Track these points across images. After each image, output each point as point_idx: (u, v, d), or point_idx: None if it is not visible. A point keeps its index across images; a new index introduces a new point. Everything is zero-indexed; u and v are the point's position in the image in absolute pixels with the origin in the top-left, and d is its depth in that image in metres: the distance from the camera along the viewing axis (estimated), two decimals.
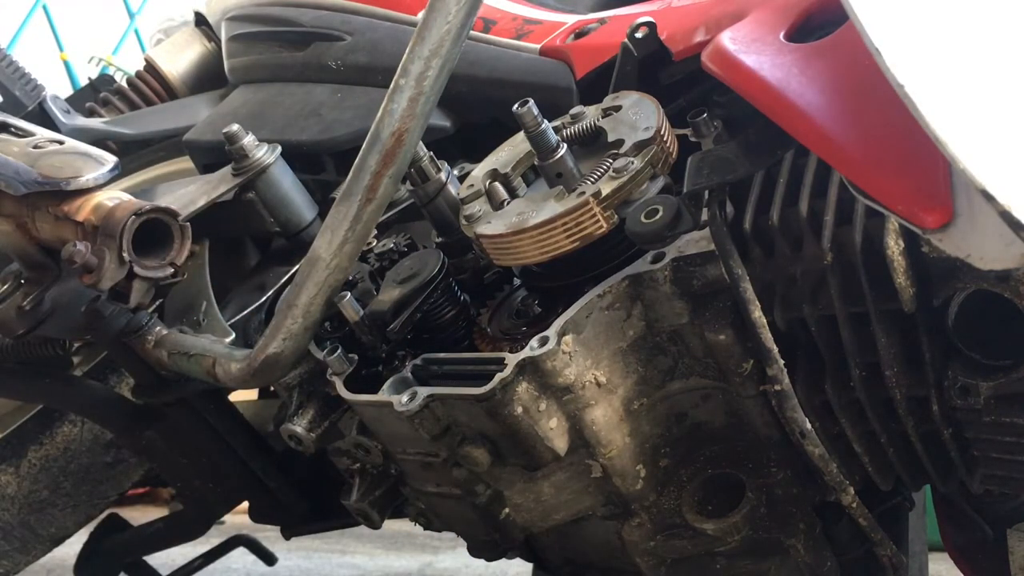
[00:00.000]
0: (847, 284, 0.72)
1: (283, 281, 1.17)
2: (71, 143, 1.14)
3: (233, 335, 1.05)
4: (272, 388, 1.00)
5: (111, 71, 3.89)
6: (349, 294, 0.93)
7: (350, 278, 1.02)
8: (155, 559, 1.65)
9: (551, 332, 0.78)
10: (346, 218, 0.72)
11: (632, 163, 0.80)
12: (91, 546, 1.59)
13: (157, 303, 1.12)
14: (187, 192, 1.16)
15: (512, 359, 0.78)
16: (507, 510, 0.91)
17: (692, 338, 0.80)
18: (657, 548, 0.86)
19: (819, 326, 0.75)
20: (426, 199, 0.98)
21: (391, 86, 0.71)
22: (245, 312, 1.17)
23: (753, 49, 0.76)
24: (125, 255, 1.02)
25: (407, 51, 0.69)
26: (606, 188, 0.79)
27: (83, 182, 1.08)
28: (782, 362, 0.75)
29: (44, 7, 4.67)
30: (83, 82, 1.99)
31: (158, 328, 1.08)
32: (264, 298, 1.18)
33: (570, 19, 1.17)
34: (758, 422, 0.82)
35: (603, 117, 0.88)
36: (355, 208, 0.71)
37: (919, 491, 0.95)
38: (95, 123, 1.64)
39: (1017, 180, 0.50)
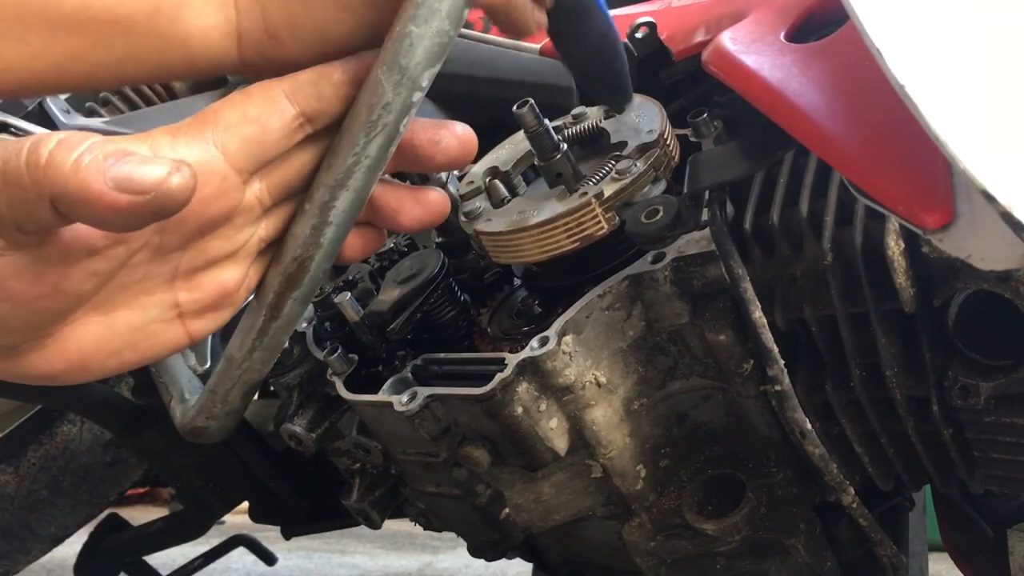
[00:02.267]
0: (847, 284, 0.72)
1: None
2: None
3: (207, 364, 1.04)
4: (272, 388, 1.00)
5: None
6: (349, 294, 0.93)
7: (350, 278, 1.02)
8: (155, 559, 1.65)
9: (551, 332, 0.78)
10: (253, 329, 0.68)
11: (635, 166, 0.80)
12: (91, 546, 1.60)
13: None
14: None
15: (512, 359, 0.78)
16: (507, 510, 0.91)
17: (692, 338, 0.80)
18: (657, 548, 0.86)
19: (819, 326, 0.75)
20: None
21: (296, 207, 0.64)
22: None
23: (753, 49, 0.76)
24: None
25: (316, 174, 0.62)
26: (608, 189, 0.79)
27: None
28: (782, 362, 0.75)
29: None
30: None
31: None
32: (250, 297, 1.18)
33: None
34: (758, 422, 0.82)
35: (605, 119, 0.88)
36: (260, 322, 0.68)
37: (919, 491, 0.95)
38: (95, 123, 1.63)
39: (1018, 181, 0.50)
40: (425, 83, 0.60)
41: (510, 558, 1.04)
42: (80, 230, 0.53)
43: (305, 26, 0.62)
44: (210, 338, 1.08)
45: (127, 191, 0.49)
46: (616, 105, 0.86)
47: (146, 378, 1.12)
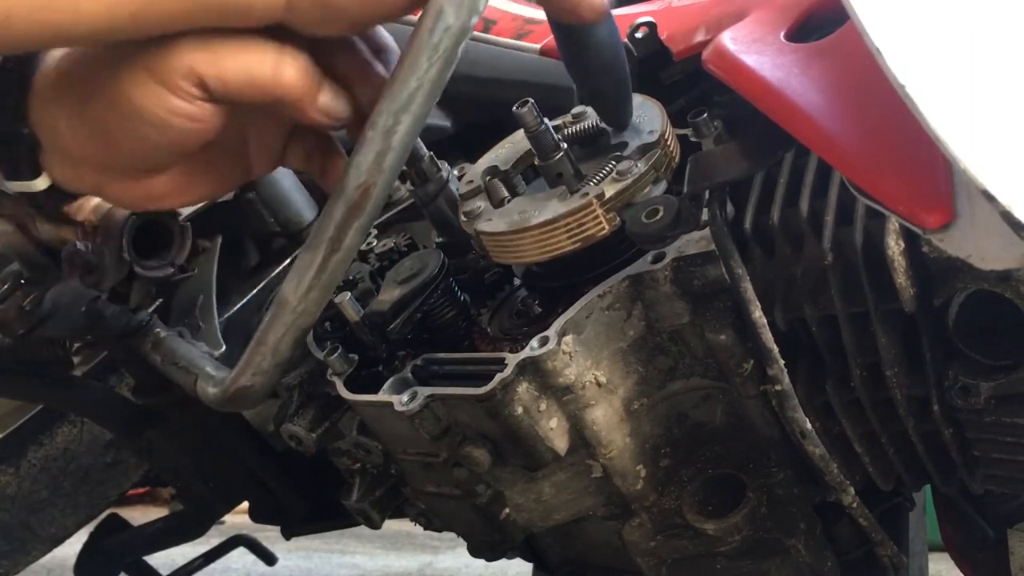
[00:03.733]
0: (848, 284, 0.72)
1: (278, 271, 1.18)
2: None
3: (223, 348, 1.05)
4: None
5: None
6: (349, 294, 0.93)
7: (350, 278, 1.02)
8: (155, 559, 1.65)
9: (551, 332, 0.78)
10: (311, 266, 0.69)
11: (636, 166, 0.80)
12: (91, 546, 1.59)
13: (157, 303, 1.12)
14: None
15: (512, 359, 0.78)
16: (507, 510, 0.91)
17: (693, 338, 0.80)
18: (658, 548, 0.86)
19: (820, 326, 0.75)
20: (427, 199, 0.98)
21: (360, 137, 0.67)
22: (236, 308, 1.17)
23: (754, 49, 0.76)
24: (125, 255, 1.02)
25: (377, 103, 0.65)
26: (609, 190, 0.79)
27: None
28: (782, 362, 0.75)
29: None
30: None
31: (157, 330, 1.08)
32: (251, 295, 1.19)
33: None
34: (759, 422, 0.82)
35: None
36: (320, 257, 0.69)
37: (919, 491, 0.95)
38: None
39: (1018, 180, 0.50)
40: (482, 6, 0.62)
41: (510, 558, 1.04)
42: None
43: None
44: (216, 325, 1.08)
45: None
46: (615, 126, 0.86)
47: (146, 378, 1.13)
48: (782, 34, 0.78)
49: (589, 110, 0.91)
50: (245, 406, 0.85)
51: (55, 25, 0.61)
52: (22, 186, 0.73)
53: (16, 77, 0.69)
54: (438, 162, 0.99)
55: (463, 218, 0.88)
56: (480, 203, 0.87)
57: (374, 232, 1.11)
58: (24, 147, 0.71)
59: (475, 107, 1.16)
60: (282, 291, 0.74)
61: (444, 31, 0.62)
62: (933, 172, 0.60)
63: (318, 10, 0.65)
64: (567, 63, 0.81)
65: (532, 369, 0.78)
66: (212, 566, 1.70)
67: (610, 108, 0.84)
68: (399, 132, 0.64)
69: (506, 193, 0.87)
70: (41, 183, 0.73)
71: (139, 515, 1.83)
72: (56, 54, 0.70)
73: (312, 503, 1.34)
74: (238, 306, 1.18)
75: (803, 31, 0.79)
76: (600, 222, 0.80)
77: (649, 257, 0.79)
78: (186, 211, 1.09)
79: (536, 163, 0.87)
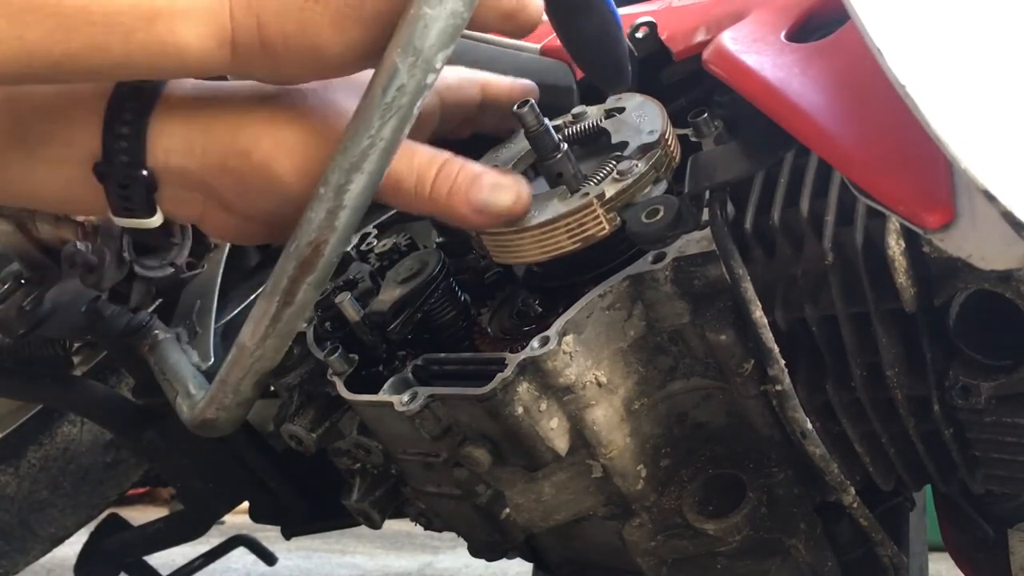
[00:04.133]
0: (848, 284, 0.72)
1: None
2: None
3: (212, 360, 1.05)
4: (272, 388, 1.00)
5: None
6: (350, 294, 0.93)
7: (350, 277, 1.02)
8: (155, 559, 1.65)
9: (552, 332, 0.78)
10: (266, 316, 0.69)
11: (636, 166, 0.80)
12: (91, 546, 1.59)
13: (157, 303, 1.12)
14: None
15: (513, 359, 0.78)
16: (508, 510, 0.91)
17: (693, 338, 0.80)
18: (658, 548, 0.86)
19: (820, 326, 0.75)
20: None
21: (313, 192, 0.67)
22: (236, 311, 1.17)
23: (754, 49, 0.76)
24: (125, 255, 1.02)
25: (330, 158, 0.65)
26: (610, 190, 0.79)
27: None
28: (783, 362, 0.75)
29: None
30: None
31: (156, 331, 1.08)
32: (252, 298, 1.18)
33: None
34: (759, 422, 0.81)
35: (606, 118, 0.88)
36: (274, 308, 0.68)
37: (920, 491, 0.95)
38: None
39: (1019, 181, 0.50)
40: (439, 65, 0.61)
41: (510, 558, 1.04)
42: None
43: (299, 43, 0.64)
44: (212, 335, 1.08)
45: (484, 215, 0.75)
46: (612, 88, 0.86)
47: (146, 377, 1.12)
48: (782, 34, 0.78)
49: (589, 110, 0.91)
50: (213, 435, 0.86)
51: None
52: (134, 223, 0.73)
53: (133, 128, 0.70)
54: None
55: None
56: None
57: (374, 232, 1.11)
58: (141, 187, 0.71)
59: None
60: (241, 335, 0.74)
61: (397, 89, 0.61)
62: (933, 172, 0.60)
63: (267, 72, 0.67)
64: (561, 33, 0.83)
65: (532, 369, 0.78)
66: (212, 566, 1.70)
67: (601, 81, 0.87)
68: (351, 190, 0.64)
69: None
70: (156, 220, 0.73)
71: (139, 515, 1.82)
72: (176, 96, 0.71)
73: (312, 503, 1.34)
74: (239, 308, 1.18)
75: (803, 31, 0.79)
76: (600, 222, 0.80)
77: (650, 257, 0.79)
78: None
79: (536, 163, 0.87)
